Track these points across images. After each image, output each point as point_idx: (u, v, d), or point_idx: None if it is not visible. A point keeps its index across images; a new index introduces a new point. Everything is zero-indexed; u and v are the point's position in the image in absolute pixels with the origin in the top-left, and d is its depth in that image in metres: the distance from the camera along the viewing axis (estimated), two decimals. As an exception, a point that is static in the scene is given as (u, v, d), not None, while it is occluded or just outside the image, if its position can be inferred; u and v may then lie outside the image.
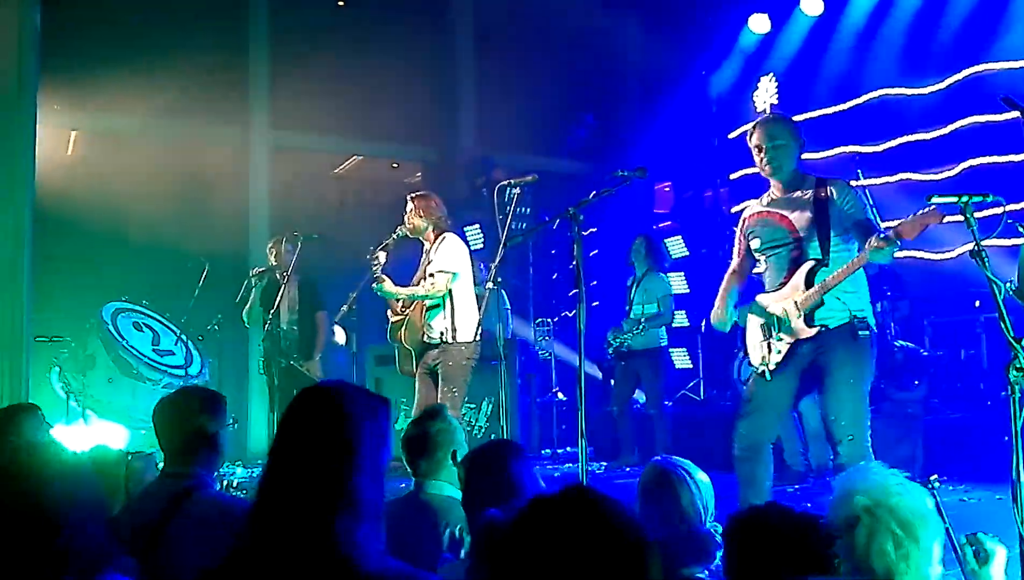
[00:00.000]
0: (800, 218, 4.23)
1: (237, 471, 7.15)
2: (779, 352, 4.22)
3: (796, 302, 4.15)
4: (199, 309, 7.69)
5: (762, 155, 4.25)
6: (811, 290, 4.12)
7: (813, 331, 4.12)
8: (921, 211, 3.69)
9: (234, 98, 9.93)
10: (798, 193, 4.29)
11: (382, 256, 5.74)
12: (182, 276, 8.06)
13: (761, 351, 4.30)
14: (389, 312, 5.88)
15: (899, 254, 7.95)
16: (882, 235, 3.79)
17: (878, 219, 7.32)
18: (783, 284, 4.25)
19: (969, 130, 8.10)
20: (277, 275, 6.94)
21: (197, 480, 2.85)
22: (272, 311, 6.53)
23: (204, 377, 7.76)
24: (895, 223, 3.82)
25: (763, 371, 4.27)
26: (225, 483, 5.88)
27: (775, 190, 4.39)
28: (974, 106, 8.01)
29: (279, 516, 1.77)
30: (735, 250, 4.59)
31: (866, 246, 3.87)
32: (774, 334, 4.23)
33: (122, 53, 8.77)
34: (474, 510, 2.53)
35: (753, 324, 4.38)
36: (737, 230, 4.57)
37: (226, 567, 1.80)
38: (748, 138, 4.37)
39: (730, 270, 4.58)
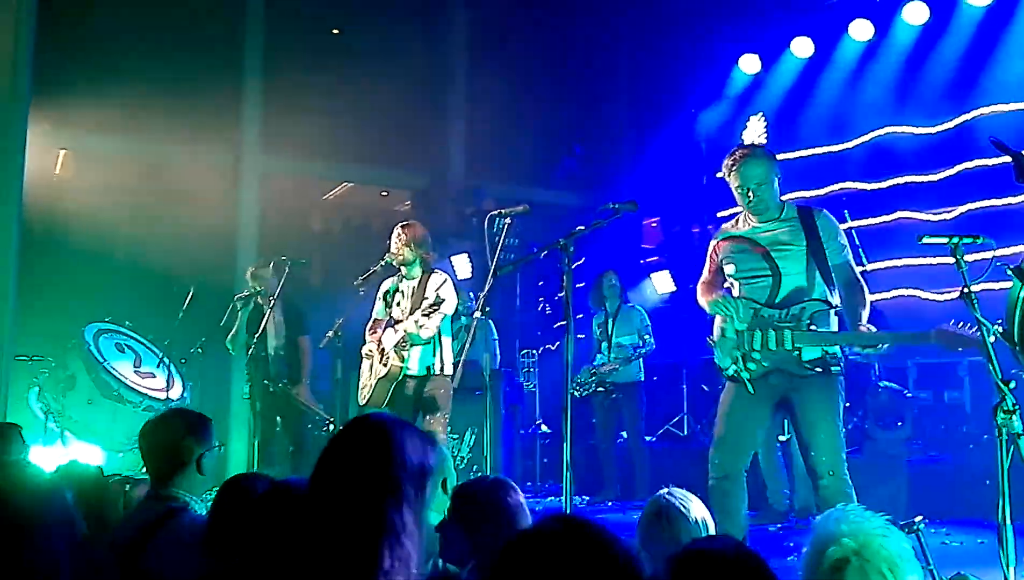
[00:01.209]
0: (788, 258, 4.19)
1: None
2: (756, 368, 4.16)
3: (789, 334, 4.10)
4: (183, 332, 7.64)
5: (750, 196, 4.21)
6: (809, 334, 4.07)
7: (804, 372, 4.09)
8: (968, 331, 3.65)
9: (225, 122, 9.94)
10: (778, 224, 4.26)
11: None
12: (167, 298, 8.01)
13: (734, 355, 4.23)
14: (372, 346, 5.82)
15: (887, 294, 8.07)
16: (870, 332, 3.95)
17: (864, 259, 7.45)
18: (781, 305, 4.17)
19: (967, 173, 8.18)
20: (261, 300, 6.90)
21: (181, 503, 2.85)
22: (257, 336, 6.49)
23: (185, 400, 7.70)
24: (937, 331, 3.79)
25: (736, 376, 4.20)
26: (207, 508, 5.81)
27: (752, 218, 4.34)
28: (971, 150, 8.09)
29: (322, 544, 1.72)
30: (704, 272, 4.53)
31: (857, 334, 3.99)
32: (754, 347, 4.17)
33: (114, 74, 8.78)
34: (456, 545, 2.51)
35: (729, 322, 4.29)
36: (708, 254, 4.51)
37: None
38: (724, 174, 4.32)
39: (703, 282, 4.51)
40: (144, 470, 3.02)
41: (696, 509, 2.74)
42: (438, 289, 5.63)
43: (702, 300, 4.44)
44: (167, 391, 7.50)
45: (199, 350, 7.31)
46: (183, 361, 7.72)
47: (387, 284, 5.98)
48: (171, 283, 8.12)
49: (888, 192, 8.84)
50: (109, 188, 9.18)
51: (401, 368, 5.60)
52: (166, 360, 7.49)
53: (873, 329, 4.02)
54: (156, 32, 9.19)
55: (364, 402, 5.93)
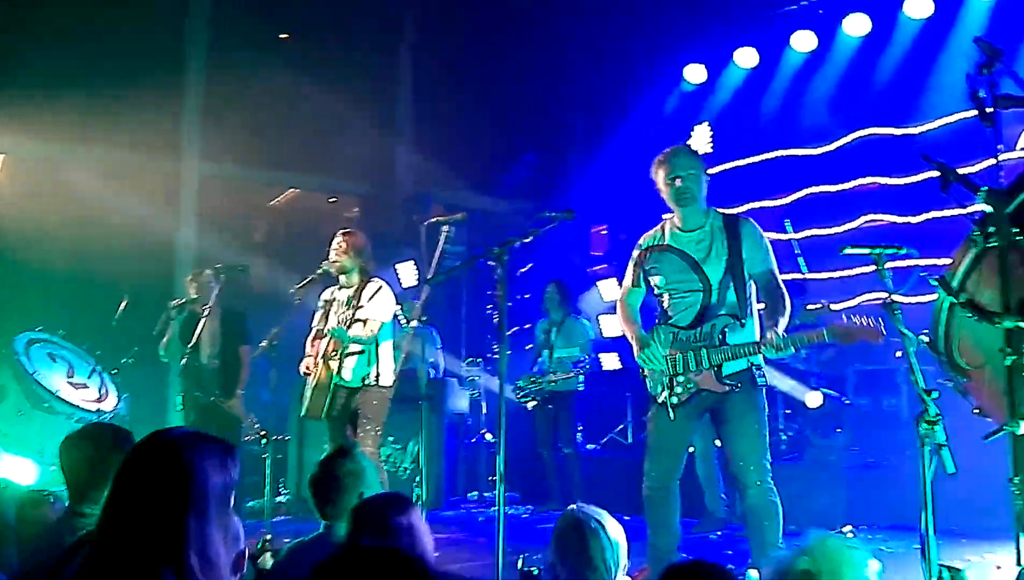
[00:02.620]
0: (713, 266, 4.24)
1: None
2: (682, 391, 4.22)
3: (706, 353, 4.17)
4: (118, 341, 7.46)
5: (677, 184, 4.26)
6: (725, 348, 4.15)
7: (724, 388, 4.16)
8: (865, 323, 3.83)
9: (166, 127, 9.77)
10: (702, 231, 4.30)
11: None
12: (102, 307, 7.82)
13: (661, 383, 4.29)
14: (310, 361, 5.73)
15: (852, 302, 8.10)
16: (776, 336, 3.98)
17: (804, 268, 7.53)
18: (693, 325, 4.25)
19: (932, 180, 8.26)
20: (198, 308, 6.76)
21: None
22: (191, 345, 6.35)
23: (120, 412, 7.50)
24: (834, 326, 3.95)
25: (663, 403, 4.26)
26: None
27: (677, 222, 4.38)
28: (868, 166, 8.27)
29: (114, 568, 1.72)
30: (626, 281, 4.53)
31: (763, 343, 4.06)
32: (678, 371, 4.23)
33: (52, 78, 8.60)
34: None
35: (640, 340, 4.36)
36: (631, 262, 4.52)
37: None
38: (653, 171, 4.38)
39: (624, 301, 4.52)
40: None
41: (609, 525, 2.72)
42: (372, 297, 5.57)
43: (623, 323, 4.50)
44: (100, 402, 7.30)
45: (131, 360, 7.14)
46: (115, 371, 7.53)
47: (327, 294, 5.91)
48: (107, 291, 7.92)
49: (851, 196, 8.91)
50: (44, 194, 8.97)
51: (330, 377, 5.52)
52: (99, 370, 7.30)
53: (779, 333, 4.04)
54: (96, 35, 9.00)
55: (303, 415, 5.85)
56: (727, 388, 4.15)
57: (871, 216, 8.52)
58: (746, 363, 4.17)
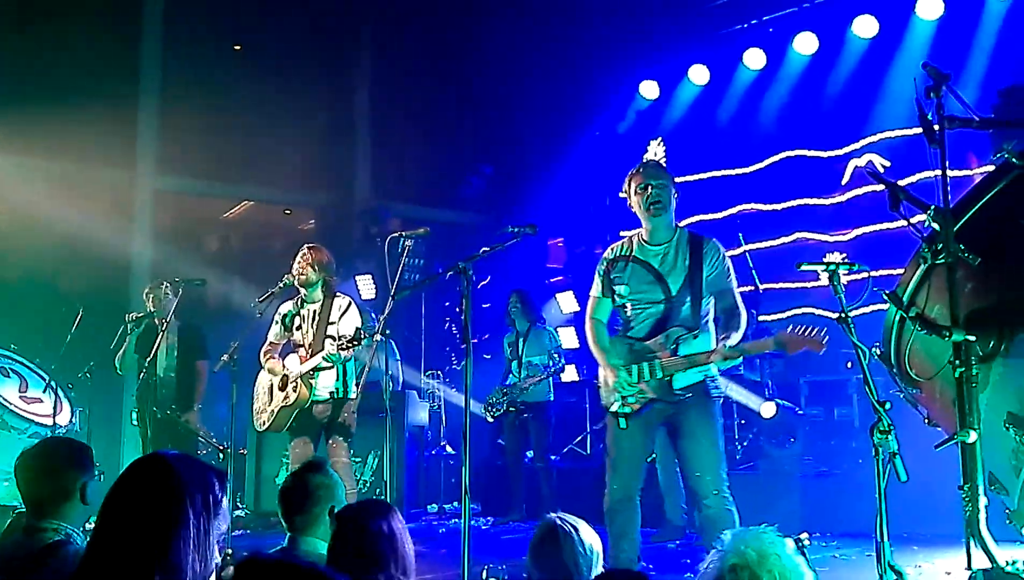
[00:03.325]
0: (674, 278, 4.34)
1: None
2: (633, 401, 4.30)
3: (660, 363, 4.25)
4: (72, 355, 7.34)
5: (648, 192, 4.34)
6: (677, 358, 4.23)
7: (675, 396, 4.24)
8: (808, 334, 3.96)
9: (119, 139, 9.65)
10: (669, 247, 4.39)
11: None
12: (56, 320, 7.70)
13: (614, 393, 4.37)
14: (273, 380, 5.71)
15: (783, 314, 8.31)
16: (728, 346, 4.11)
17: (757, 281, 7.68)
18: (649, 337, 4.33)
19: (865, 197, 8.54)
20: (155, 321, 6.69)
21: (62, 535, 2.73)
22: (148, 359, 6.28)
23: (74, 426, 7.38)
24: (779, 335, 4.10)
25: (615, 413, 4.34)
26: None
27: (644, 235, 4.46)
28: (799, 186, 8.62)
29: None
30: (594, 290, 4.58)
31: (713, 353, 4.16)
32: (632, 377, 4.30)
33: (4, 88, 8.45)
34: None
35: (608, 366, 4.43)
36: (599, 272, 4.57)
37: None
38: (626, 184, 4.46)
39: (591, 316, 4.57)
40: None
41: (585, 533, 2.78)
42: (343, 313, 5.58)
43: (593, 347, 4.53)
44: (54, 416, 7.18)
45: (87, 374, 7.03)
46: (70, 386, 7.42)
47: (285, 307, 5.88)
48: (60, 304, 7.81)
49: (785, 214, 9.15)
50: (-3, 206, 8.81)
51: (309, 395, 5.53)
52: (53, 384, 7.17)
53: (728, 344, 4.16)
54: (49, 46, 8.88)
55: (263, 428, 5.82)
56: (678, 399, 4.23)
57: (802, 234, 8.80)
58: (700, 375, 4.26)
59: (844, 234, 8.60)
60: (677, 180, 4.58)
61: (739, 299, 4.36)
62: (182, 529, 1.80)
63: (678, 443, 4.31)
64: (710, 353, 4.19)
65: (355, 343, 5.29)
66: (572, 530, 2.75)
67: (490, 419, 7.72)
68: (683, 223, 4.69)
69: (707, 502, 4.18)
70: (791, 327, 4.08)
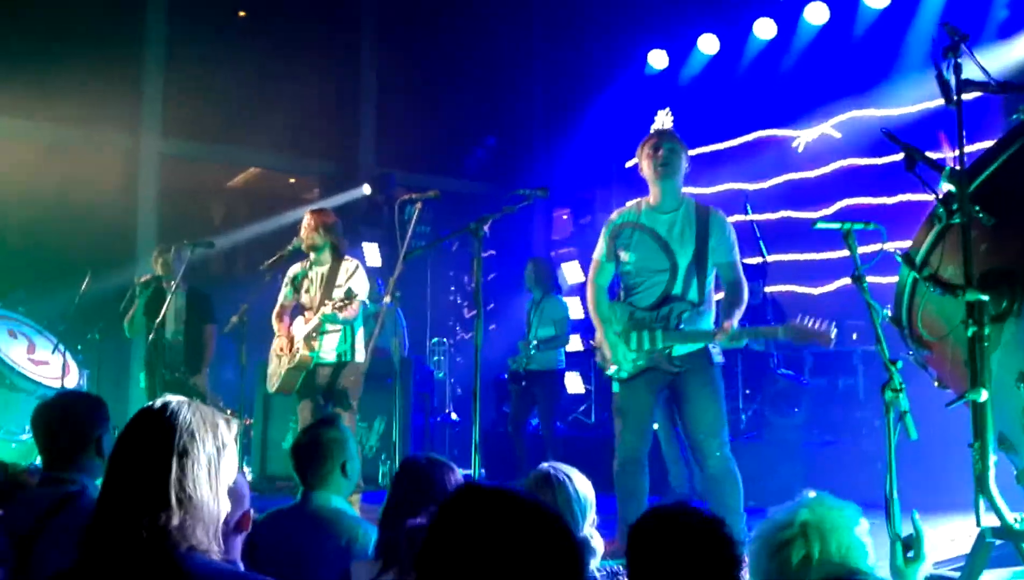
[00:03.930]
0: (681, 248, 4.35)
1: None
2: (633, 364, 4.35)
3: (660, 334, 4.28)
4: (80, 318, 7.37)
5: (659, 153, 4.34)
6: (676, 333, 4.26)
7: (675, 368, 4.28)
8: (817, 327, 3.98)
9: (125, 103, 9.63)
10: (675, 214, 4.39)
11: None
12: (63, 283, 7.72)
13: (610, 357, 4.41)
14: (284, 342, 5.73)
15: (780, 287, 8.31)
16: (732, 327, 4.13)
17: (765, 251, 7.67)
18: (652, 307, 4.36)
19: (848, 171, 8.50)
20: (163, 284, 6.71)
21: (79, 486, 2.75)
22: (157, 322, 6.30)
23: (82, 388, 7.41)
24: (787, 325, 4.11)
25: (613, 376, 4.40)
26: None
27: (652, 201, 4.46)
28: (854, 149, 8.41)
29: (113, 520, 1.80)
30: (598, 252, 4.59)
31: (718, 333, 4.17)
32: (630, 346, 4.34)
33: (9, 53, 8.42)
34: (395, 523, 2.52)
35: (610, 326, 4.46)
36: (605, 235, 4.58)
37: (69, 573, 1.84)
38: (639, 150, 4.46)
39: (593, 281, 4.60)
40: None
41: (578, 481, 2.79)
42: (350, 276, 5.59)
43: (592, 314, 4.57)
44: (62, 378, 7.21)
45: (96, 336, 7.06)
46: (79, 348, 7.45)
47: (294, 269, 5.90)
48: (67, 268, 7.82)
49: (779, 188, 9.11)
50: (3, 169, 8.79)
51: (311, 357, 5.55)
52: (61, 346, 7.20)
53: (734, 325, 4.21)
54: (53, 10, 8.83)
55: (273, 390, 5.85)
56: (677, 369, 4.27)
57: (848, 200, 8.72)
58: (701, 344, 4.30)
59: (827, 207, 8.56)
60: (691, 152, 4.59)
61: (741, 273, 4.38)
62: (195, 464, 1.82)
63: (681, 407, 4.35)
64: (715, 333, 4.21)
65: (346, 302, 5.29)
66: (565, 478, 2.76)
67: (511, 381, 7.70)
68: (711, 190, 4.71)
69: (710, 462, 4.24)
70: (800, 317, 4.08)
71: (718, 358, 4.35)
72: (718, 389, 4.32)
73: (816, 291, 8.41)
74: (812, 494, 2.14)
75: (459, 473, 2.76)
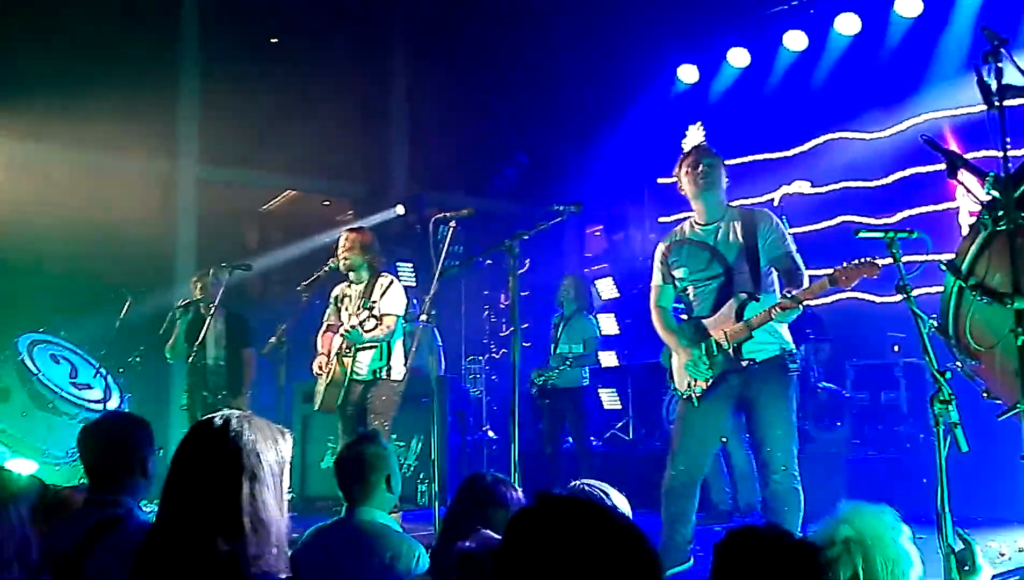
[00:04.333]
0: (729, 250, 4.32)
1: (154, 508, 6.90)
2: (706, 379, 4.27)
3: (726, 333, 4.23)
4: (120, 342, 7.46)
5: (698, 170, 4.34)
6: (740, 324, 4.19)
7: (743, 364, 4.20)
8: (860, 261, 3.85)
9: (162, 130, 9.78)
10: (721, 224, 4.38)
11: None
12: (103, 308, 7.83)
13: (687, 377, 4.34)
14: (322, 359, 5.77)
15: (828, 299, 8.24)
16: (789, 295, 4.02)
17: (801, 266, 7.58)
18: (713, 311, 4.32)
19: (909, 179, 8.40)
20: (202, 308, 6.77)
21: (124, 509, 2.75)
22: (197, 345, 6.36)
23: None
24: (832, 270, 3.93)
25: (689, 396, 4.31)
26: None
27: (697, 218, 4.47)
28: (917, 157, 8.30)
29: (179, 544, 1.77)
30: (654, 281, 4.60)
31: (773, 307, 4.06)
32: (702, 360, 4.27)
33: (47, 80, 8.59)
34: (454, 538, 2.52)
35: (680, 348, 4.41)
36: (656, 261, 4.60)
37: None
38: (676, 168, 4.46)
39: (655, 305, 4.58)
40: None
41: (615, 497, 2.77)
42: (384, 292, 5.61)
43: (661, 332, 4.53)
44: (104, 402, 7.30)
45: (137, 360, 7.14)
46: (121, 371, 7.53)
47: (338, 289, 5.96)
48: (107, 292, 7.91)
49: (828, 197, 9.03)
50: (43, 197, 8.95)
51: (344, 374, 5.57)
52: (103, 371, 7.29)
53: (788, 295, 4.08)
54: (90, 37, 9.00)
55: (317, 407, 5.88)
56: (748, 368, 4.18)
57: (846, 217, 8.67)
58: (776, 349, 4.23)
59: (889, 217, 8.47)
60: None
61: (799, 260, 4.31)
62: (263, 487, 1.79)
63: (750, 416, 4.26)
64: (771, 308, 4.10)
65: (373, 319, 5.29)
66: (601, 495, 2.74)
67: (534, 394, 7.67)
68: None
69: (775, 477, 4.15)
70: (843, 264, 3.92)
71: (793, 366, 4.28)
72: (791, 400, 4.25)
73: (877, 299, 8.26)
74: (848, 506, 2.10)
75: (520, 492, 2.74)
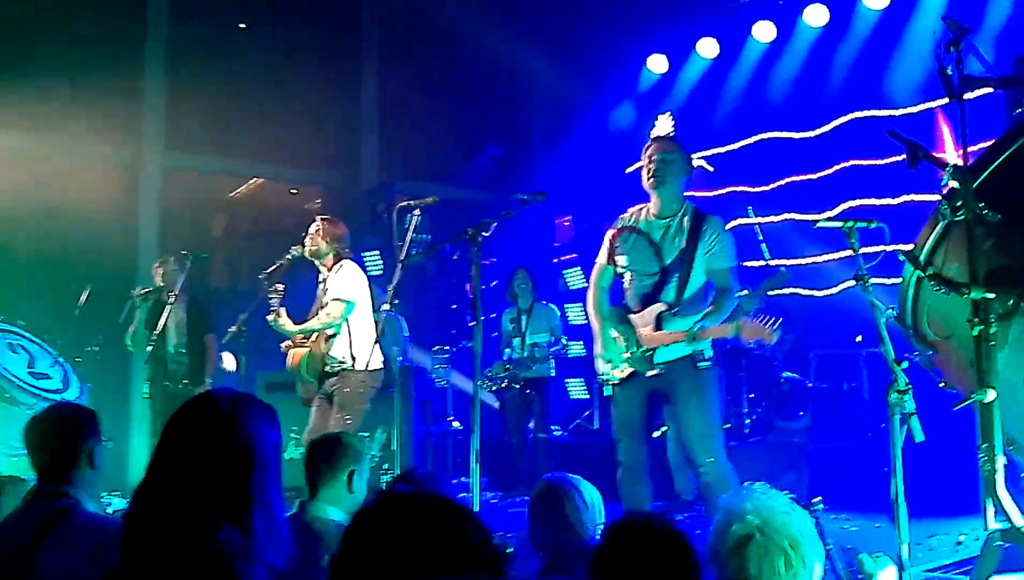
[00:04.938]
0: (671, 251, 4.36)
1: (114, 501, 6.80)
2: (622, 370, 4.36)
3: (643, 336, 4.29)
4: (80, 331, 7.33)
5: (651, 166, 4.36)
6: (656, 334, 4.27)
7: (655, 371, 4.29)
8: (766, 325, 4.07)
9: (126, 116, 9.60)
10: (672, 221, 4.40)
11: (280, 286, 5.59)
12: (64, 297, 7.70)
13: (608, 364, 4.45)
14: (288, 342, 5.72)
15: (785, 290, 8.28)
16: (697, 328, 4.13)
17: (767, 254, 7.62)
18: (639, 310, 4.40)
19: (850, 172, 8.44)
20: (163, 296, 6.67)
21: (72, 500, 2.71)
22: (158, 333, 6.26)
23: (83, 401, 7.36)
24: (742, 324, 4.14)
25: (606, 381, 4.43)
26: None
27: (652, 208, 4.49)
28: (855, 150, 8.35)
29: (162, 528, 1.64)
30: (599, 259, 4.65)
31: (694, 331, 4.15)
32: (620, 346, 4.36)
33: (9, 67, 8.41)
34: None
35: (601, 334, 4.49)
36: (605, 240, 4.64)
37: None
38: (644, 152, 4.49)
39: (594, 282, 4.62)
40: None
41: (584, 488, 2.77)
42: (335, 276, 5.55)
43: (591, 313, 4.60)
44: (63, 392, 7.17)
45: (96, 348, 7.01)
46: (78, 360, 7.40)
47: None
48: (68, 281, 7.80)
49: (778, 192, 9.05)
50: (3, 183, 8.77)
51: (298, 366, 5.52)
52: (61, 360, 7.15)
53: (693, 329, 4.21)
54: (53, 23, 8.82)
55: (302, 402, 5.82)
56: (659, 373, 4.27)
57: (852, 202, 8.64)
58: (687, 349, 4.28)
59: (831, 210, 8.48)
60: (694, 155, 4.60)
61: (731, 281, 4.35)
62: (270, 470, 1.69)
63: (674, 414, 4.45)
64: (683, 333, 4.21)
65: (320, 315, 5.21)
66: (572, 488, 2.74)
67: (491, 390, 7.69)
68: (712, 194, 4.76)
69: (703, 469, 4.24)
70: (754, 314, 4.21)
71: (703, 364, 4.32)
72: (707, 396, 4.31)
73: (820, 294, 8.33)
74: (748, 492, 2.12)
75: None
